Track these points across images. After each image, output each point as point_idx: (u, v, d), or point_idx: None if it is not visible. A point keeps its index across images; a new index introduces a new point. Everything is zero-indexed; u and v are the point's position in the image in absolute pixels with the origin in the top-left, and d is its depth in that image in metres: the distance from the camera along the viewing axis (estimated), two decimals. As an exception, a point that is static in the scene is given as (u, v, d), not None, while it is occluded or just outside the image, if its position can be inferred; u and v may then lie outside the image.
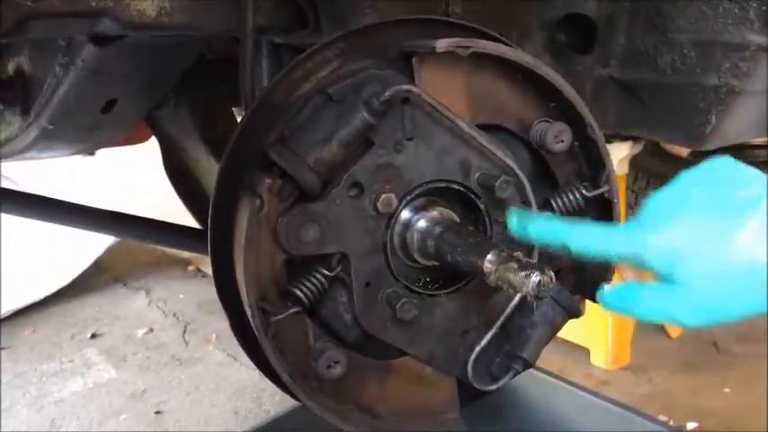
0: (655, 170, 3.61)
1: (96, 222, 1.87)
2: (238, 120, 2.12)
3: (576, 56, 1.96)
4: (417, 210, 1.18)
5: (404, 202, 1.17)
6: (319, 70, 1.16)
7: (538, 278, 0.96)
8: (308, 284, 1.13)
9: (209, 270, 1.19)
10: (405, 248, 1.19)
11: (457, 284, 1.23)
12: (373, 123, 1.09)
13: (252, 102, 1.35)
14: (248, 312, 1.08)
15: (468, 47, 1.13)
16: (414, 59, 1.15)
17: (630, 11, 1.91)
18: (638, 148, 2.89)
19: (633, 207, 3.73)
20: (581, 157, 1.29)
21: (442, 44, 1.11)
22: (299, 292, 1.12)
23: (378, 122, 1.10)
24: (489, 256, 1.03)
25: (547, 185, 1.30)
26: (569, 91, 1.23)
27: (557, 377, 1.97)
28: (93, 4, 1.25)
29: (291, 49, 1.56)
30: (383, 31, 1.19)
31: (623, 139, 2.77)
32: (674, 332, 3.26)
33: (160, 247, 4.56)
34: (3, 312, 3.61)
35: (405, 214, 1.18)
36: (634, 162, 3.41)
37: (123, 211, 1.84)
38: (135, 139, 2.17)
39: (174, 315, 3.69)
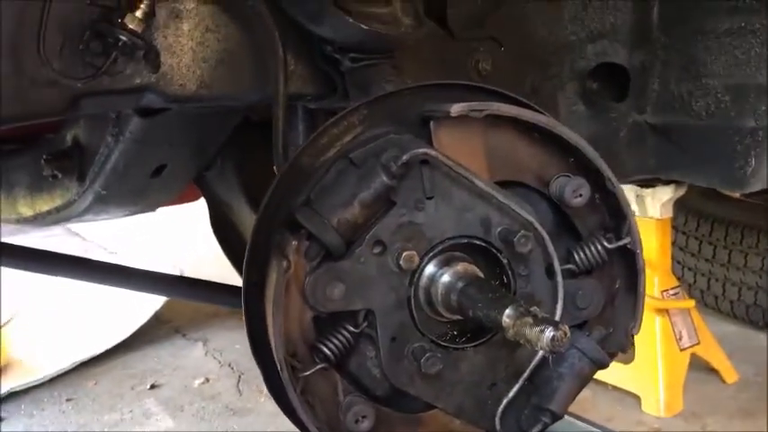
0: (706, 212, 3.56)
1: (146, 284, 1.97)
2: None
3: (610, 103, 2.00)
4: (442, 264, 1.22)
5: (427, 258, 1.21)
6: (344, 136, 1.23)
7: (551, 333, 0.99)
8: (335, 341, 1.17)
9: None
10: (430, 303, 1.22)
11: (483, 337, 1.25)
12: (392, 185, 1.14)
13: (283, 166, 1.43)
14: (278, 367, 1.14)
15: (481, 110, 1.18)
16: (431, 123, 1.21)
17: (663, 58, 1.94)
18: (682, 191, 2.87)
19: (684, 249, 3.67)
20: (603, 209, 1.32)
21: (456, 108, 1.17)
22: (326, 349, 1.16)
23: (397, 184, 1.15)
24: (507, 311, 1.06)
25: (570, 237, 1.32)
26: (586, 147, 1.27)
27: (601, 428, 1.95)
28: (138, 81, 1.35)
29: (325, 111, 1.64)
30: (403, 97, 1.25)
31: (666, 182, 2.76)
32: (729, 378, 3.17)
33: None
34: (68, 365, 3.76)
35: (429, 269, 1.21)
36: (683, 204, 3.37)
37: (169, 273, 1.93)
38: (186, 198, 2.28)
39: (230, 365, 3.77)
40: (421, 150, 1.15)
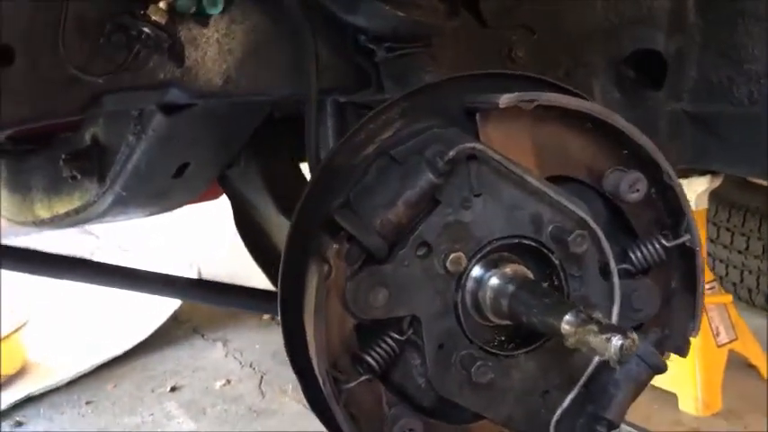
0: (737, 202, 3.47)
1: (163, 287, 1.91)
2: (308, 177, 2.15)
3: (646, 91, 1.92)
4: (489, 266, 1.15)
5: (474, 260, 1.14)
6: (382, 132, 1.15)
7: (620, 342, 0.92)
8: (379, 350, 1.11)
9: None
10: (477, 307, 1.15)
11: (535, 343, 1.18)
12: (438, 183, 1.07)
13: (316, 164, 1.36)
14: (320, 380, 1.07)
15: (531, 100, 1.11)
16: (477, 115, 1.14)
17: (701, 43, 1.86)
18: (717, 182, 2.79)
19: (714, 241, 3.58)
20: (659, 205, 1.24)
21: (505, 99, 1.09)
22: (370, 359, 1.09)
23: (443, 182, 1.08)
24: (567, 318, 0.99)
25: (624, 236, 1.25)
26: (643, 138, 1.19)
27: (638, 428, 1.87)
28: (162, 76, 1.28)
29: (356, 106, 1.57)
30: (445, 89, 1.18)
31: (701, 173, 2.68)
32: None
33: (235, 298, 4.63)
34: (86, 368, 3.72)
35: (476, 271, 1.15)
36: (714, 194, 3.29)
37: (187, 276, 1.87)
38: (207, 196, 2.21)
39: (251, 366, 3.72)
40: (469, 145, 1.07)
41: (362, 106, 1.57)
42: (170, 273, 4.43)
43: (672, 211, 1.23)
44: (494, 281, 1.14)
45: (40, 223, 2.00)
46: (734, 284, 3.57)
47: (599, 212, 1.22)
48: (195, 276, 4.53)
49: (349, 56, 1.40)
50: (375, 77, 1.40)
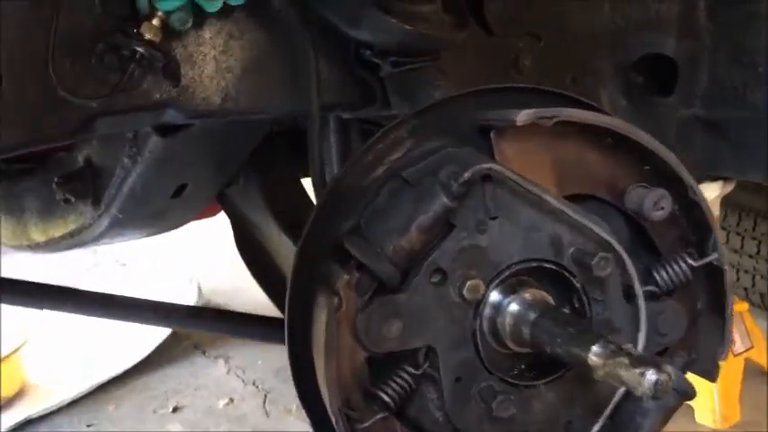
0: (747, 205, 3.40)
1: (167, 318, 1.85)
2: (310, 194, 2.09)
3: (656, 98, 1.87)
4: (508, 292, 1.08)
5: (492, 286, 1.07)
6: (392, 152, 1.09)
7: (654, 377, 0.85)
8: (393, 385, 1.04)
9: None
10: (496, 335, 1.09)
11: (556, 372, 1.12)
12: (453, 206, 1.01)
13: (321, 185, 1.30)
14: (332, 419, 1.00)
15: (551, 117, 1.04)
16: (492, 133, 1.08)
17: (712, 47, 1.81)
18: (730, 187, 2.72)
19: (725, 246, 3.52)
20: (683, 222, 1.18)
21: (524, 116, 1.03)
22: (384, 396, 1.03)
23: (458, 205, 1.01)
24: (595, 349, 0.93)
25: (647, 255, 1.18)
26: (666, 153, 1.13)
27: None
28: (157, 97, 1.22)
29: (360, 122, 1.51)
30: (455, 105, 1.12)
31: (713, 179, 2.62)
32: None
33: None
34: (86, 388, 3.63)
35: (494, 296, 1.08)
36: (722, 198, 3.23)
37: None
38: (205, 213, 2.15)
39: (254, 384, 3.64)
40: (485, 165, 1.01)
41: (366, 122, 1.51)
42: (169, 288, 4.38)
43: (697, 227, 1.17)
44: (513, 307, 1.07)
45: (36, 247, 1.94)
46: (745, 289, 3.51)
47: (620, 231, 1.16)
48: (195, 292, 4.46)
49: (351, 70, 1.34)
50: (380, 93, 1.34)
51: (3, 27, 1.07)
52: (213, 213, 2.23)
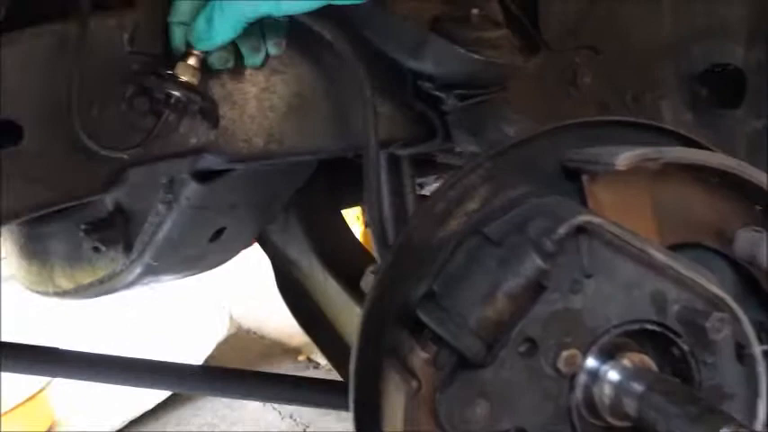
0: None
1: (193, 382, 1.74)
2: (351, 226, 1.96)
3: (723, 110, 1.74)
4: (604, 357, 0.94)
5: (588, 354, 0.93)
6: (466, 201, 0.96)
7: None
8: (481, 476, 0.90)
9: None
10: (591, 406, 0.94)
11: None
12: (547, 269, 0.87)
13: (380, 231, 1.17)
14: None
15: (657, 158, 0.90)
16: (584, 178, 0.94)
17: (785, 54, 1.68)
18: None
19: None
20: None
21: (625, 160, 0.89)
22: (473, 491, 0.89)
23: (551, 265, 0.87)
24: (725, 435, 0.78)
25: (756, 306, 1.04)
26: (782, 191, 0.98)
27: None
28: (194, 142, 1.10)
29: (412, 158, 1.38)
30: (537, 144, 0.98)
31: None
32: None
33: (269, 337, 4.46)
34: (118, 424, 3.54)
35: (589, 363, 0.94)
36: None
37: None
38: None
39: (291, 417, 3.51)
40: (584, 218, 0.87)
41: (419, 159, 1.38)
42: (198, 313, 4.27)
43: (818, 275, 1.02)
44: (613, 376, 0.93)
45: (63, 294, 1.83)
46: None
47: (727, 281, 1.02)
48: (226, 317, 4.36)
49: (408, 104, 1.21)
50: (441, 127, 1.20)
51: (25, 74, 0.96)
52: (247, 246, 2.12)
